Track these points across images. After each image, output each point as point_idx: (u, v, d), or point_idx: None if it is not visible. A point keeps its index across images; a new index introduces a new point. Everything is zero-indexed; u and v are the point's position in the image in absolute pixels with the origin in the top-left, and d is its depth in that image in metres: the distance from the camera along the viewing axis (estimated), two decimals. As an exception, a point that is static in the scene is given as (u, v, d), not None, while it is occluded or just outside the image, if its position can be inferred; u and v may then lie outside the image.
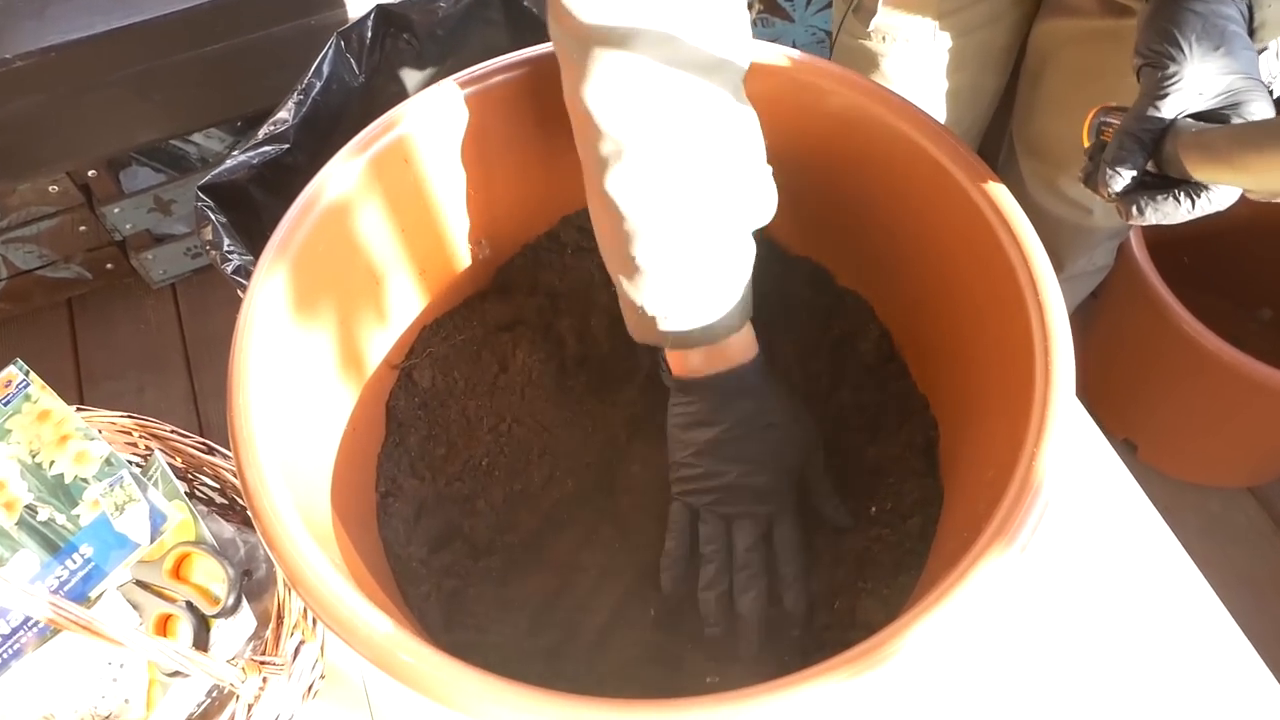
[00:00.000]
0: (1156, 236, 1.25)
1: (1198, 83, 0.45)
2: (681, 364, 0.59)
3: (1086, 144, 0.50)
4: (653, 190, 0.52)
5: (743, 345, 0.59)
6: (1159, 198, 0.46)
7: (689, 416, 0.59)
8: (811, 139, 0.62)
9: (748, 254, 0.56)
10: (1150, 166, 0.46)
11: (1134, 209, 0.46)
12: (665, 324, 0.56)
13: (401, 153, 0.57)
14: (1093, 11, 0.75)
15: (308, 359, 0.54)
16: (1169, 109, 0.45)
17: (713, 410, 0.58)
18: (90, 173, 1.37)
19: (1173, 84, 0.45)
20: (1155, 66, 0.46)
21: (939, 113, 0.87)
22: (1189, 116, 0.45)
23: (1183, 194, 0.45)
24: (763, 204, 0.56)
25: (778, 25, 1.59)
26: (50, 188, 1.37)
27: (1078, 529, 0.70)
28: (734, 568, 0.58)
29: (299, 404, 0.52)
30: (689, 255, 0.53)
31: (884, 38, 0.82)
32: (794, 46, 0.61)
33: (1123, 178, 0.46)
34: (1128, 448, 1.40)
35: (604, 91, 0.50)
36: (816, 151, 0.62)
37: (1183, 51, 0.45)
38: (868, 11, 0.79)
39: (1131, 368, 1.32)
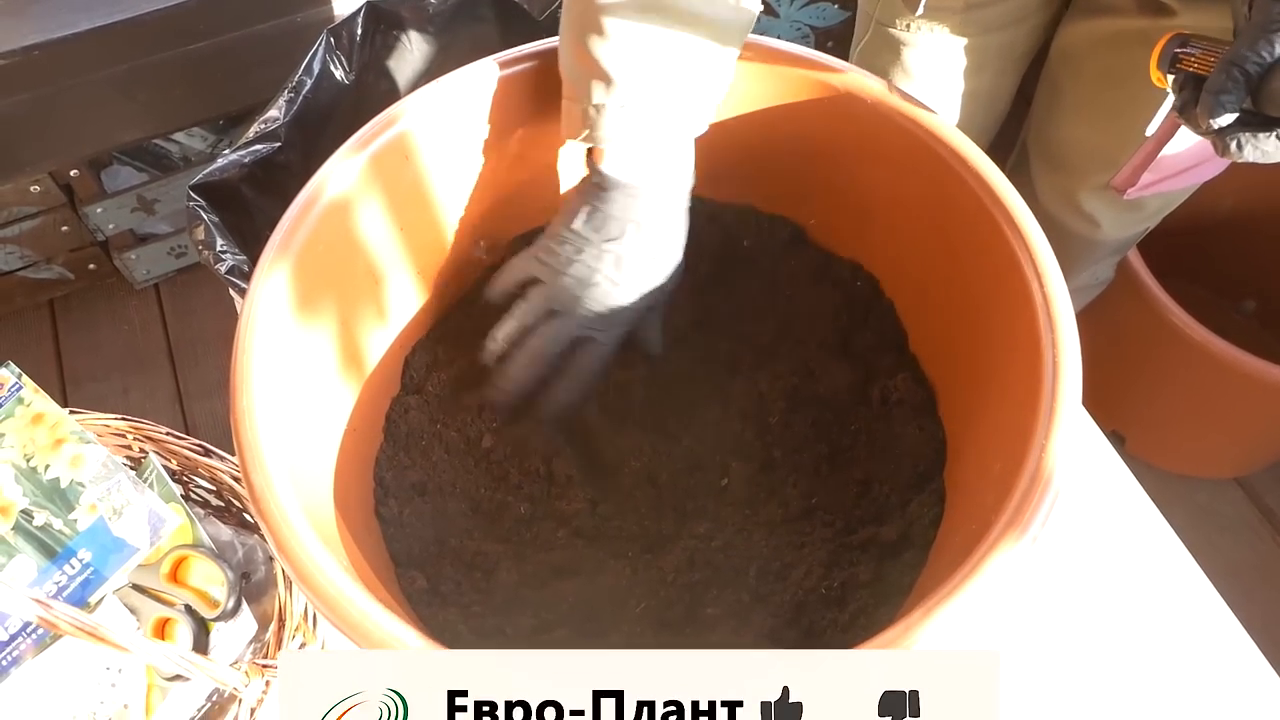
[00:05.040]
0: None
1: None
2: (619, 159, 0.56)
3: (1155, 75, 0.46)
4: None
5: (687, 157, 0.57)
6: (1261, 136, 0.42)
7: (600, 212, 0.57)
8: (808, 129, 0.62)
9: (720, 55, 0.54)
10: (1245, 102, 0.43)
11: (1233, 145, 0.43)
12: (615, 109, 0.53)
13: (402, 150, 0.57)
14: (1128, 10, 0.73)
15: (310, 360, 0.53)
16: None
17: (624, 212, 0.56)
18: (72, 172, 1.35)
19: None
20: None
21: (953, 113, 0.86)
22: None
23: None
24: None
25: (762, 21, 1.59)
26: (32, 188, 1.35)
27: (1074, 520, 0.70)
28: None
29: (301, 405, 0.51)
30: (659, 28, 0.51)
31: (910, 25, 0.81)
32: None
33: (1225, 110, 0.43)
34: (1116, 440, 1.41)
35: None
36: (813, 143, 0.62)
37: None
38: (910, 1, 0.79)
39: (1119, 360, 1.32)
